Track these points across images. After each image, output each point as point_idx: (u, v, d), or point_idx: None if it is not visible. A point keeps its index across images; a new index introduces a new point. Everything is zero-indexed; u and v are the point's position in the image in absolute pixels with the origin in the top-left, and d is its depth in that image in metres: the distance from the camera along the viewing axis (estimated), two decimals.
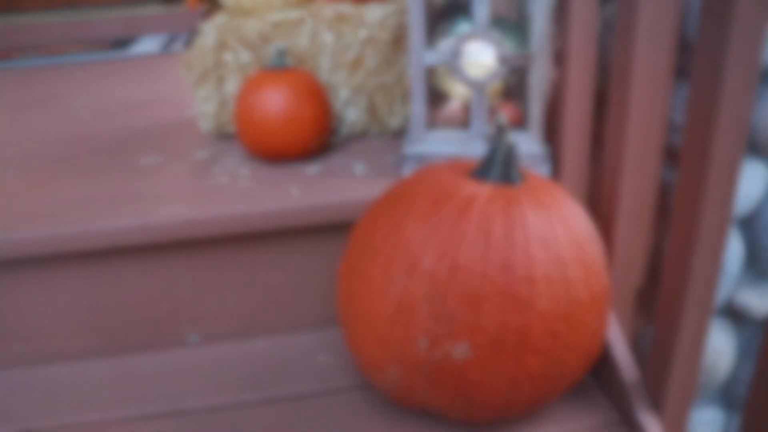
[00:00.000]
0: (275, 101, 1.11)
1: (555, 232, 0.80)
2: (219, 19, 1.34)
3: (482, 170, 0.84)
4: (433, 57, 1.03)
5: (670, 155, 1.24)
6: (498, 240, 0.78)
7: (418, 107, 1.06)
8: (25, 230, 0.99)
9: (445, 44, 1.06)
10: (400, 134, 1.32)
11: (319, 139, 1.17)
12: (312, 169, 1.16)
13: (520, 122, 1.10)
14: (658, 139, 0.98)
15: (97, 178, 1.20)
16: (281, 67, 1.15)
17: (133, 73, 2.35)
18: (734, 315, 1.22)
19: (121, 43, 3.09)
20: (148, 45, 3.02)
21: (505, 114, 1.10)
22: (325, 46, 1.24)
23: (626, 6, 0.91)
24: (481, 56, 1.04)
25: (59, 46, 3.05)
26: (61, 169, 1.27)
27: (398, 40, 1.24)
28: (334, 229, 1.05)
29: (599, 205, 1.10)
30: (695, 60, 0.76)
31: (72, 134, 1.52)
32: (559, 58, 1.06)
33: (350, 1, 1.30)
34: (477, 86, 1.05)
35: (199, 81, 1.31)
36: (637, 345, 1.12)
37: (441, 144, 1.09)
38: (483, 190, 0.81)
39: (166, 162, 1.25)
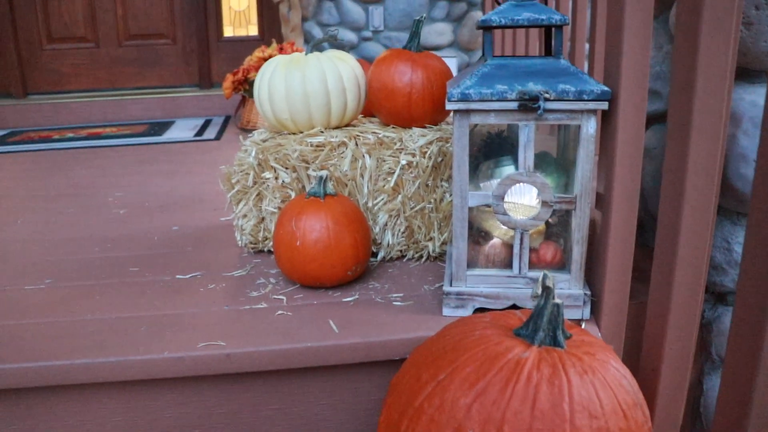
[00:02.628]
0: (315, 230, 1.12)
1: (601, 401, 0.78)
2: (259, 135, 1.37)
3: (528, 330, 0.83)
4: (476, 199, 1.04)
5: (709, 293, 1.23)
6: (543, 410, 0.76)
7: (459, 246, 1.06)
8: (62, 357, 0.99)
9: (488, 185, 1.07)
10: (437, 258, 1.32)
11: (357, 266, 1.17)
12: (350, 296, 1.16)
13: (560, 262, 1.10)
14: (703, 277, 0.97)
15: (135, 293, 1.20)
16: (322, 195, 1.16)
17: (167, 162, 2.40)
18: None
19: (156, 126, 3.17)
20: (182, 128, 3.10)
21: (545, 253, 1.09)
22: (365, 170, 1.26)
23: (676, 157, 0.91)
24: (524, 199, 1.05)
25: (97, 128, 3.14)
26: (98, 279, 1.28)
27: (438, 166, 1.26)
28: (373, 365, 1.04)
29: (640, 347, 1.08)
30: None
31: (108, 236, 1.53)
32: (602, 200, 1.06)
33: (393, 125, 1.33)
34: (519, 228, 1.05)
35: (237, 197, 1.33)
36: None
37: (482, 283, 1.08)
38: (529, 355, 0.80)
39: (202, 279, 1.25)
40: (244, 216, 1.33)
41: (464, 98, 0.98)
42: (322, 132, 1.29)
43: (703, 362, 1.26)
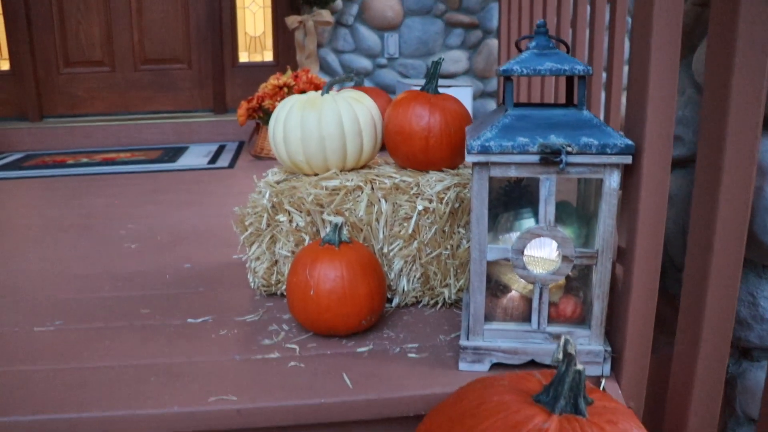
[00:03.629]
0: (330, 279, 1.10)
1: None
2: (273, 176, 1.35)
3: (548, 397, 0.80)
4: (495, 253, 1.02)
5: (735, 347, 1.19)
6: None
7: (477, 300, 1.03)
8: (71, 410, 0.97)
9: (507, 238, 1.05)
10: (452, 305, 1.29)
11: (372, 316, 1.14)
12: (364, 346, 1.13)
13: (580, 317, 1.07)
14: (730, 332, 0.94)
15: (145, 338, 1.18)
16: (337, 242, 1.14)
17: (181, 191, 2.39)
18: None
19: (171, 152, 3.17)
20: (196, 154, 3.10)
21: (565, 308, 1.06)
22: (381, 215, 1.24)
23: (704, 210, 0.89)
24: (544, 253, 1.02)
25: (111, 153, 3.15)
26: (108, 321, 1.26)
27: (455, 212, 1.23)
28: (388, 421, 1.01)
29: (661, 400, 1.04)
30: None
31: (120, 273, 1.52)
32: (624, 254, 1.03)
33: (410, 168, 1.31)
34: (539, 283, 1.02)
35: (251, 239, 1.31)
36: None
37: (499, 337, 1.05)
38: (549, 425, 0.77)
39: (214, 323, 1.23)
40: (257, 258, 1.31)
41: (484, 150, 0.96)
42: (337, 175, 1.27)
43: (727, 418, 1.22)
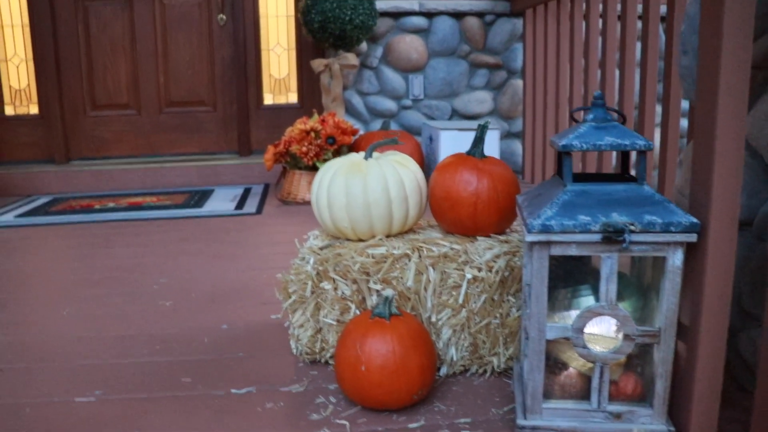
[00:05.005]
0: (381, 355, 1.07)
1: None
2: (315, 240, 1.33)
3: None
4: (555, 332, 0.99)
5: None
6: None
7: (536, 379, 1.00)
8: None
9: (566, 315, 1.02)
10: (501, 373, 1.26)
11: (423, 390, 1.11)
12: (415, 422, 1.09)
13: (641, 394, 1.03)
14: None
15: (188, 411, 1.15)
16: (388, 316, 1.11)
17: (210, 240, 2.38)
18: None
19: (196, 196, 3.17)
20: (222, 198, 3.10)
21: (625, 386, 1.03)
22: (429, 283, 1.21)
23: None
24: (605, 331, 0.99)
25: (137, 197, 3.15)
26: (150, 391, 1.23)
27: (505, 281, 1.21)
28: None
29: None
30: None
31: (157, 335, 1.50)
32: (687, 332, 1.00)
33: (456, 234, 1.28)
34: (600, 362, 0.99)
35: (294, 305, 1.29)
36: None
37: (558, 416, 1.02)
38: None
39: (258, 395, 1.20)
40: (301, 326, 1.29)
41: (545, 230, 0.93)
42: (383, 241, 1.25)
43: None
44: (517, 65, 3.46)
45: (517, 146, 3.52)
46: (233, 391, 1.23)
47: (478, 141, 1.27)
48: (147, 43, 3.51)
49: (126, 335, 1.51)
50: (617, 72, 2.52)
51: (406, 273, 1.21)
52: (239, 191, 3.26)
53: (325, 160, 2.89)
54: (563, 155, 0.99)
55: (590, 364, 1.01)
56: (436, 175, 1.27)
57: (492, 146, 2.96)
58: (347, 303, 1.25)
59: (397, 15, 3.35)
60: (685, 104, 3.18)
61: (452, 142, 2.94)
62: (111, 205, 3.01)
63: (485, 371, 1.26)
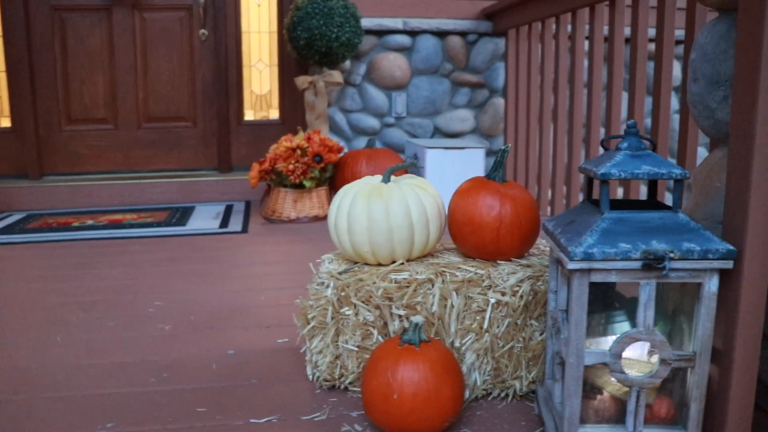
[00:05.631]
0: (414, 382, 1.05)
1: None
2: (331, 264, 1.31)
3: None
4: (593, 357, 0.99)
5: None
6: None
7: (573, 405, 1.00)
8: None
9: (601, 341, 1.02)
10: (523, 397, 1.25)
11: (455, 416, 1.10)
12: None
13: (674, 417, 1.04)
14: None
15: None
16: (418, 342, 1.10)
17: (200, 259, 2.33)
18: None
19: (178, 213, 3.11)
20: (204, 216, 3.05)
21: (659, 409, 1.04)
22: (452, 308, 1.20)
23: None
24: (641, 356, 1.00)
25: (116, 214, 3.08)
26: (164, 423, 1.19)
27: (529, 305, 1.21)
28: None
29: None
30: None
31: (160, 361, 1.45)
32: (720, 355, 1.01)
33: (476, 258, 1.28)
34: (636, 386, 0.99)
35: (312, 332, 1.27)
36: None
37: None
38: None
39: (280, 424, 1.17)
40: (320, 352, 1.26)
41: (587, 257, 0.94)
42: (404, 266, 1.24)
43: None
44: (498, 84, 3.50)
45: None
46: (253, 420, 1.19)
47: (498, 165, 1.27)
48: (126, 57, 3.44)
49: (127, 362, 1.46)
50: (603, 93, 2.59)
51: (429, 298, 1.20)
52: (221, 208, 3.21)
53: (312, 178, 2.87)
54: (601, 183, 0.99)
55: (625, 389, 1.01)
56: (457, 199, 1.26)
57: (477, 164, 2.98)
58: (368, 329, 1.23)
59: (381, 33, 3.36)
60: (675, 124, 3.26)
61: (439, 160, 2.95)
62: (90, 222, 2.93)
63: (507, 395, 1.25)
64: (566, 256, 0.96)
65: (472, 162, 2.95)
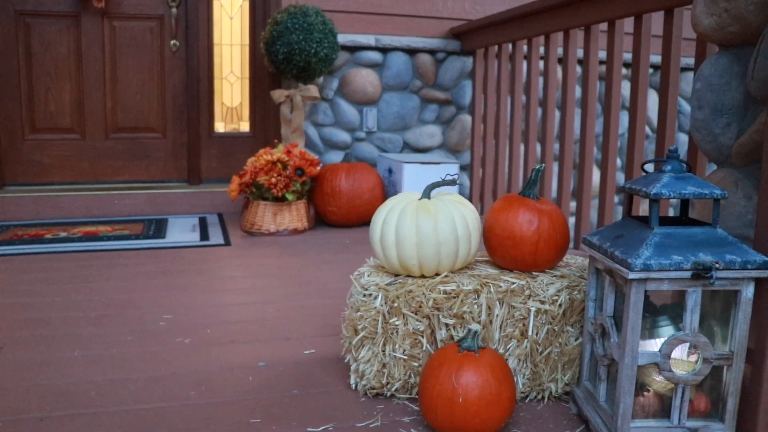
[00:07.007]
0: (478, 386, 1.13)
1: None
2: (372, 277, 1.37)
3: None
4: (645, 358, 1.09)
5: None
6: None
7: (626, 402, 1.10)
8: None
9: (648, 344, 1.13)
10: (557, 398, 1.35)
11: (510, 416, 1.18)
12: None
13: (711, 411, 1.16)
14: None
15: None
16: (476, 349, 1.18)
17: (195, 273, 2.32)
18: None
19: (152, 225, 3.08)
20: (181, 228, 3.03)
21: (699, 404, 1.15)
22: (495, 316, 1.29)
23: None
24: (687, 357, 1.11)
25: (87, 226, 3.01)
26: None
27: (566, 312, 1.30)
28: None
29: None
30: None
31: (193, 374, 1.46)
32: (753, 354, 1.13)
33: (513, 270, 1.37)
34: (682, 383, 1.10)
35: (361, 342, 1.32)
36: None
37: None
38: None
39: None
40: (368, 361, 1.32)
41: (646, 268, 1.04)
42: (449, 277, 1.32)
43: None
44: (465, 101, 3.63)
45: (464, 178, 3.68)
46: (310, 429, 1.24)
47: (533, 183, 1.37)
48: (94, 65, 3.38)
49: (158, 376, 1.47)
50: (578, 110, 2.75)
51: (474, 307, 1.28)
52: (195, 221, 3.19)
53: (294, 192, 2.90)
54: (651, 202, 1.10)
55: (670, 386, 1.13)
56: (496, 216, 1.35)
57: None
58: (417, 337, 1.30)
59: (353, 49, 3.44)
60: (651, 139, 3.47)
61: (414, 175, 3.05)
62: (63, 234, 2.85)
63: (543, 397, 1.35)
64: (625, 267, 1.06)
65: (444, 176, 3.05)
